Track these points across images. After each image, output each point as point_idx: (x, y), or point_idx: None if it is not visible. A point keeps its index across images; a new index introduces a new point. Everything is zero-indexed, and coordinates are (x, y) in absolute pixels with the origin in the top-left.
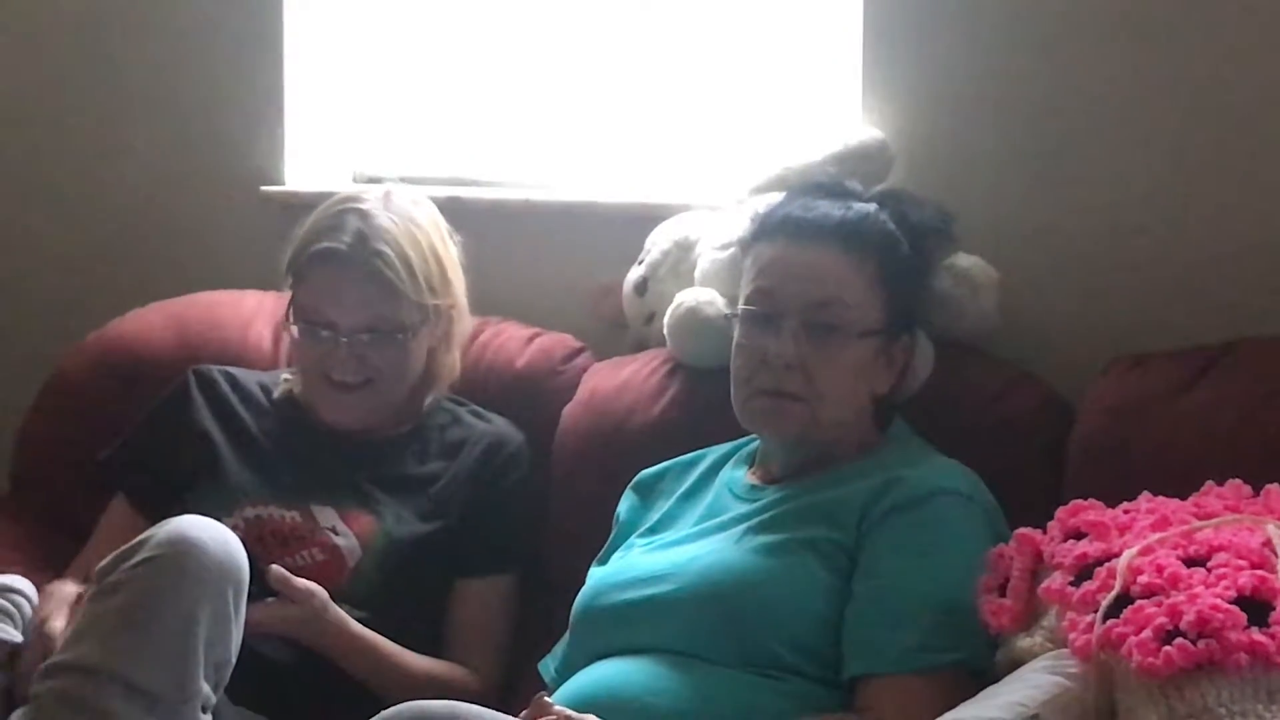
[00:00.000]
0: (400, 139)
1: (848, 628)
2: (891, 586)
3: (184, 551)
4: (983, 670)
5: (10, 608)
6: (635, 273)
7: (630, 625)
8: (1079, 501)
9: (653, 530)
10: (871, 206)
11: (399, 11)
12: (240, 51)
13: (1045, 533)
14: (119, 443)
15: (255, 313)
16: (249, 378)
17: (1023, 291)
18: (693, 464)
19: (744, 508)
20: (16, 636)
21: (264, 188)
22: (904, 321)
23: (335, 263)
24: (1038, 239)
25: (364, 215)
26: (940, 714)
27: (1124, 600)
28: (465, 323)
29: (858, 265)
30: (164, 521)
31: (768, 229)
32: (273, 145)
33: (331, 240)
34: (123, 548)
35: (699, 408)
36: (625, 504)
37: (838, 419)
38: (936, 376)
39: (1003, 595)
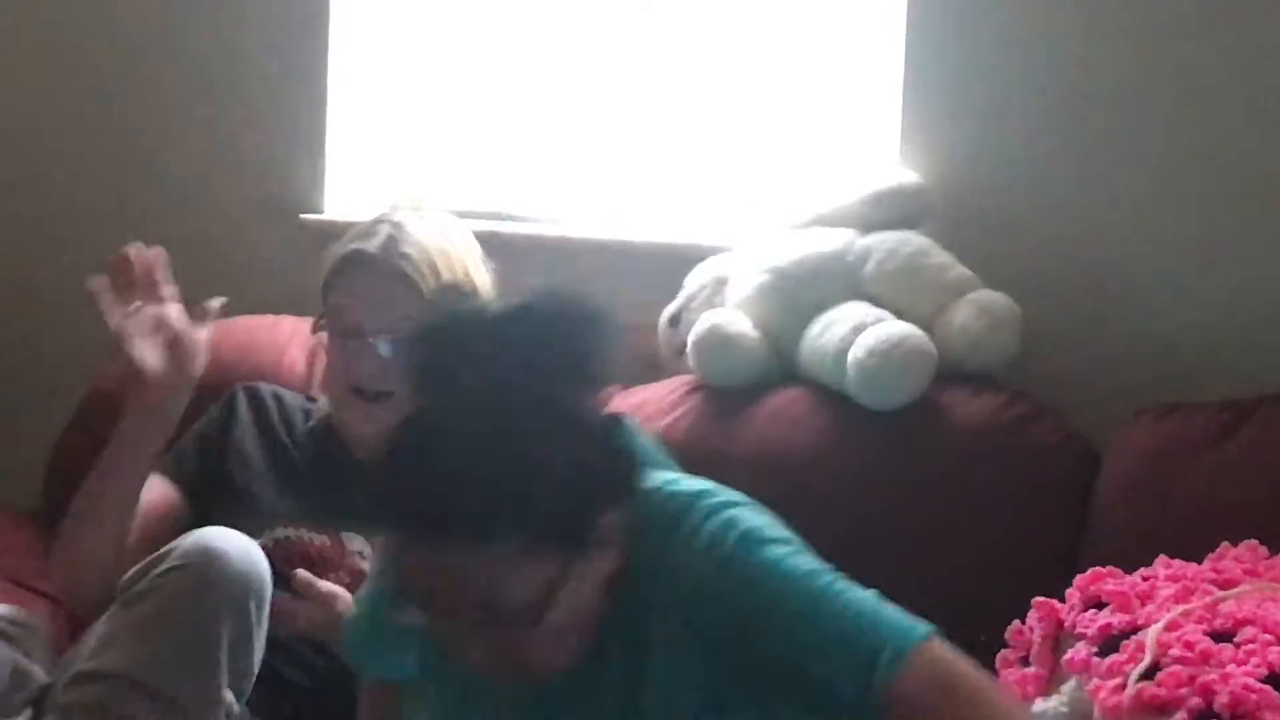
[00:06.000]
0: (440, 171)
1: (808, 678)
2: (797, 644)
3: (208, 562)
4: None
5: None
6: (671, 306)
7: None
8: (1098, 569)
9: None
10: None
11: (443, 44)
12: (284, 79)
13: (1064, 601)
14: (164, 450)
15: (290, 338)
16: (294, 401)
17: (1052, 337)
18: None
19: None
20: (44, 677)
21: (303, 215)
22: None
23: (363, 265)
24: (1069, 287)
25: (396, 225)
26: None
27: (1155, 671)
28: None
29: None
30: (190, 532)
31: None
32: (313, 173)
33: (362, 244)
34: (148, 558)
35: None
36: None
37: None
38: (953, 405)
39: (1025, 664)
